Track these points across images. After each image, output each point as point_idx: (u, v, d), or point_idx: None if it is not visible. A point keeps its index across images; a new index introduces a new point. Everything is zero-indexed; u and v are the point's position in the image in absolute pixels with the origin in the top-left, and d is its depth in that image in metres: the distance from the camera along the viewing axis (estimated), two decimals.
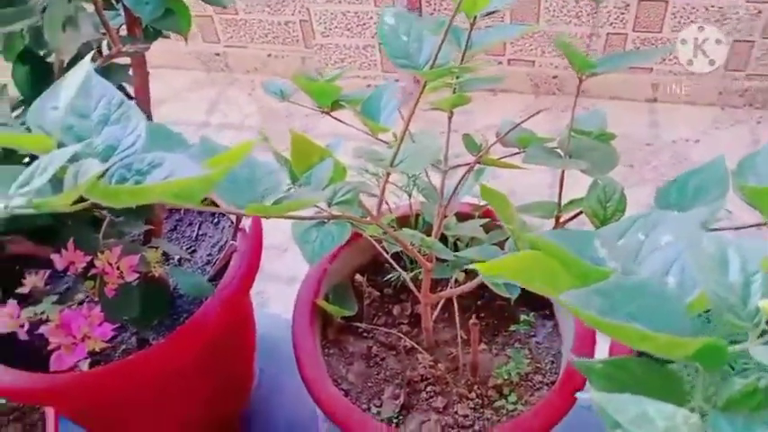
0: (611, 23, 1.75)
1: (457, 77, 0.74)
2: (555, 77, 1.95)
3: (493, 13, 0.74)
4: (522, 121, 0.78)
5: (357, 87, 2.02)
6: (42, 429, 0.90)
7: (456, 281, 0.88)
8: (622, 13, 1.75)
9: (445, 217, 0.75)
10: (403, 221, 0.94)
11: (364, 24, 1.85)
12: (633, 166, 1.76)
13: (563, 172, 0.73)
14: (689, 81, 1.86)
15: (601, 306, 0.35)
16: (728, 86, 1.84)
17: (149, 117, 0.75)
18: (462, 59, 0.72)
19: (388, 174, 0.66)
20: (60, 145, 0.44)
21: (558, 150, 0.73)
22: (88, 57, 0.44)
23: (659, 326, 0.36)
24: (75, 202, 0.41)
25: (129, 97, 0.74)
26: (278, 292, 1.46)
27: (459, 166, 0.81)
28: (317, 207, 0.64)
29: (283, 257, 1.56)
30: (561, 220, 0.73)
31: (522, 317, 0.88)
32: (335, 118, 0.84)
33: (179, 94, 2.03)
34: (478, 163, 0.77)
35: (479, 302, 0.92)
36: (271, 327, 1.11)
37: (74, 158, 0.42)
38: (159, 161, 0.43)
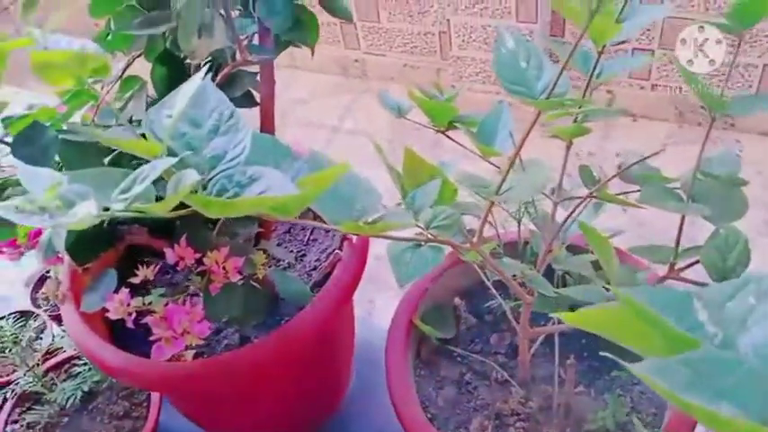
0: None
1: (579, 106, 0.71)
2: (703, 107, 1.84)
3: (623, 42, 0.70)
4: (647, 157, 0.74)
5: (489, 103, 2.00)
6: (147, 408, 0.96)
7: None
8: None
9: (550, 251, 0.73)
10: (510, 248, 0.92)
11: None
12: None
13: (683, 216, 0.68)
14: None
15: (682, 379, 0.32)
16: None
17: (272, 125, 0.78)
18: (587, 89, 0.70)
19: (492, 202, 0.65)
20: (170, 152, 0.47)
21: (680, 192, 0.69)
22: (204, 68, 0.46)
23: (754, 411, 0.33)
24: (178, 208, 0.43)
25: (256, 103, 0.78)
26: (387, 303, 1.48)
27: (573, 198, 0.78)
28: (419, 227, 0.64)
29: None
30: (676, 267, 0.69)
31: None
32: (451, 138, 0.84)
33: (316, 97, 2.10)
34: (593, 197, 0.74)
35: (584, 341, 0.88)
36: (374, 337, 1.12)
37: (181, 166, 0.44)
38: (258, 175, 0.45)
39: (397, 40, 2.04)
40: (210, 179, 0.46)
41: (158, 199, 0.42)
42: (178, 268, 0.69)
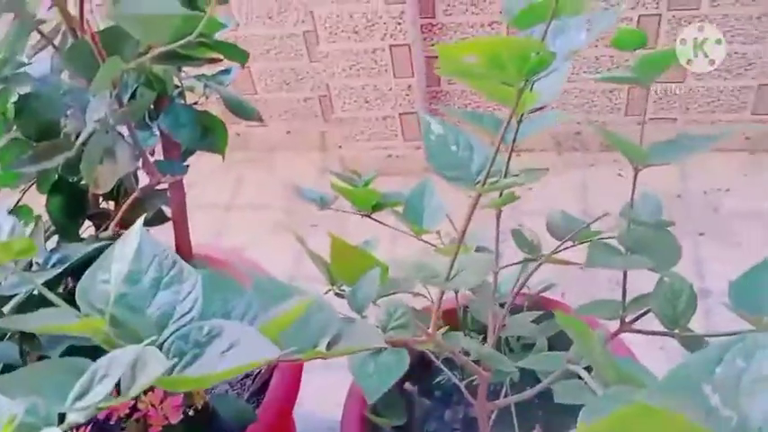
0: (644, 4, 1.68)
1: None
2: (578, 134, 1.93)
3: (542, 108, 0.71)
4: (591, 222, 0.74)
5: (379, 159, 1.99)
6: None
7: (511, 379, 0.83)
8: None
9: (504, 325, 0.71)
10: (449, 317, 0.90)
11: (383, 96, 1.84)
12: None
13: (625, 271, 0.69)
14: (714, 128, 1.83)
15: None
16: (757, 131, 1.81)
17: (188, 241, 0.72)
18: (510, 158, 0.69)
19: (443, 291, 0.62)
20: (113, 320, 0.41)
21: (618, 245, 0.70)
22: (139, 221, 0.41)
23: None
24: None
25: (167, 219, 0.72)
26: (318, 383, 1.41)
27: (510, 265, 0.77)
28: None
29: None
30: (627, 320, 0.69)
31: None
32: (375, 219, 0.81)
33: (203, 177, 2.03)
34: (532, 260, 0.74)
35: (537, 400, 0.87)
36: (316, 429, 1.06)
37: (130, 335, 0.39)
38: (218, 330, 0.40)
39: (277, 109, 2.01)
40: (164, 342, 0.41)
41: None
42: (111, 422, 0.61)
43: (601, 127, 0.70)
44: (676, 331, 0.64)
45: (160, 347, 0.40)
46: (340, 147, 1.96)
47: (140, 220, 0.41)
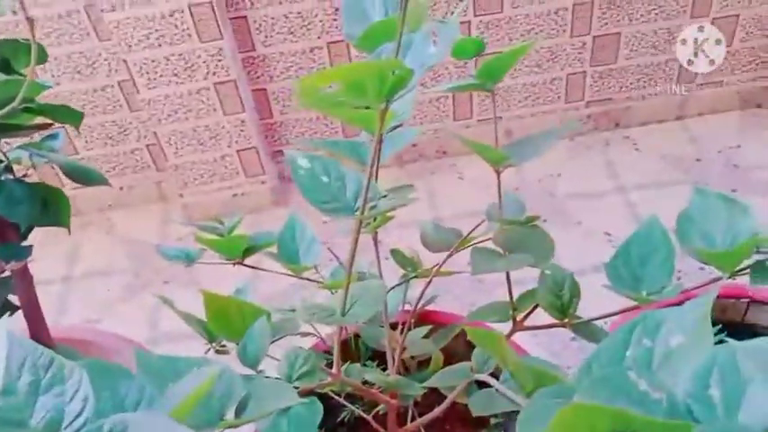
0: (451, 12, 1.79)
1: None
2: (414, 145, 1.97)
3: (399, 126, 0.71)
4: (465, 237, 0.75)
5: (224, 200, 1.92)
6: None
7: (414, 399, 0.82)
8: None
9: (405, 348, 0.70)
10: (342, 349, 0.87)
11: (217, 135, 1.78)
12: None
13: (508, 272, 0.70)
14: (535, 119, 1.96)
15: None
16: (572, 117, 1.96)
17: (43, 325, 0.64)
18: (376, 177, 0.68)
19: (342, 327, 0.60)
20: None
21: (496, 248, 0.71)
22: (3, 322, 0.35)
23: None
24: None
25: (16, 308, 0.64)
26: None
27: (396, 285, 0.77)
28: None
29: None
30: (519, 319, 0.70)
31: (492, 420, 0.84)
32: (248, 265, 0.78)
33: (35, 252, 1.85)
34: (416, 277, 0.74)
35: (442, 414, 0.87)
36: None
37: None
38: (122, 426, 0.35)
39: (104, 165, 1.88)
40: None
41: None
42: None
43: (458, 134, 0.71)
44: (567, 320, 0.66)
45: None
46: (181, 195, 1.88)
47: (2, 323, 0.35)
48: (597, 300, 0.67)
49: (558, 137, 0.69)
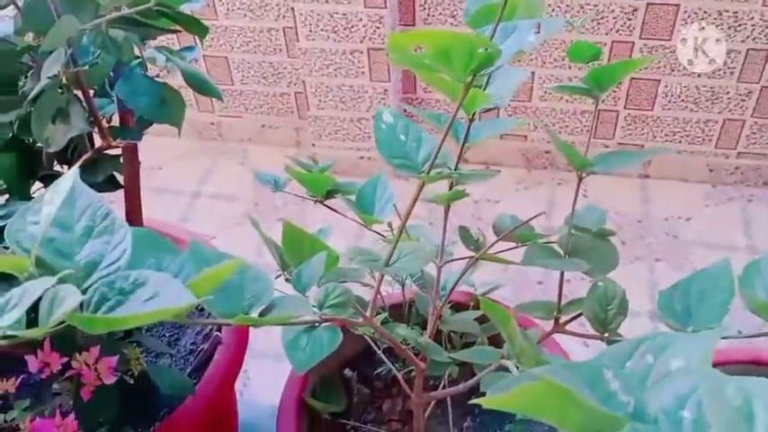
0: (617, 30, 1.72)
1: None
2: (547, 152, 1.96)
3: (492, 109, 0.73)
4: (528, 220, 0.76)
5: (350, 159, 2.00)
6: None
7: (450, 375, 0.85)
8: (629, 19, 1.72)
9: (440, 317, 0.73)
10: (395, 311, 0.91)
11: (359, 98, 1.86)
12: (625, 243, 1.75)
13: (562, 272, 0.71)
14: (679, 158, 1.87)
15: None
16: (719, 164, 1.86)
17: (139, 209, 0.73)
18: (460, 154, 0.71)
19: (382, 275, 0.64)
20: (38, 261, 0.42)
21: (558, 248, 0.72)
22: (74, 168, 0.42)
23: None
24: None
25: (119, 186, 0.73)
26: (264, 373, 1.42)
27: (454, 260, 0.79)
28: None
29: (270, 333, 1.52)
30: (561, 321, 0.71)
31: (518, 414, 0.85)
32: (329, 207, 0.82)
33: (170, 163, 2.02)
34: (477, 258, 0.76)
35: (474, 396, 0.89)
36: (255, 416, 1.07)
37: (49, 273, 0.40)
38: (143, 280, 0.41)
39: (253, 101, 2.02)
40: (88, 287, 0.41)
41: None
42: (43, 376, 0.62)
43: (548, 128, 0.72)
44: (605, 335, 0.66)
45: (84, 292, 0.41)
46: (313, 144, 1.98)
47: (75, 167, 0.42)
48: (642, 330, 0.66)
49: (642, 159, 0.69)
